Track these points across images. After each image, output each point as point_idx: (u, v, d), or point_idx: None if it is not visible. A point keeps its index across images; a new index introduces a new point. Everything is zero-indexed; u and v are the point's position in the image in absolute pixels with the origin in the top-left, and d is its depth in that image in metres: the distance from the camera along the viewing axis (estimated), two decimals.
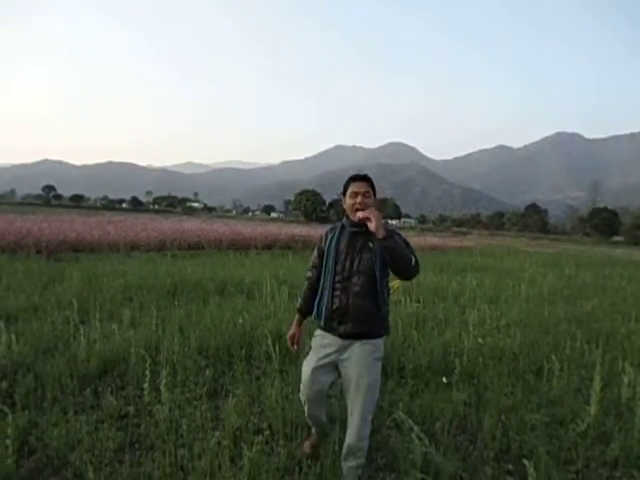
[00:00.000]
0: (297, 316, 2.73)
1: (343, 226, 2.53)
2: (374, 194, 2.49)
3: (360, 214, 2.30)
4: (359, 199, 2.40)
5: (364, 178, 2.47)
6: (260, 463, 2.55)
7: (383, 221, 2.32)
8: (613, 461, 2.97)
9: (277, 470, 2.59)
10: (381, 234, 2.22)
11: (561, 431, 3.34)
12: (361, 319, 2.36)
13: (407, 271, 2.31)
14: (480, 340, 5.00)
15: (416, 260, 2.32)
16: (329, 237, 2.53)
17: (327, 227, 2.68)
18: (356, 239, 2.43)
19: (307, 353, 2.64)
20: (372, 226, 2.23)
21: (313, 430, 2.81)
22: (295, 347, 2.72)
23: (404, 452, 2.78)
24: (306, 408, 2.59)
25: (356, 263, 2.38)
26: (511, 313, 6.96)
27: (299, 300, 2.72)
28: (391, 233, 2.28)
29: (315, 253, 2.62)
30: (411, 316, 6.17)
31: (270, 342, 4.12)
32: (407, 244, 2.39)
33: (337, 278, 2.41)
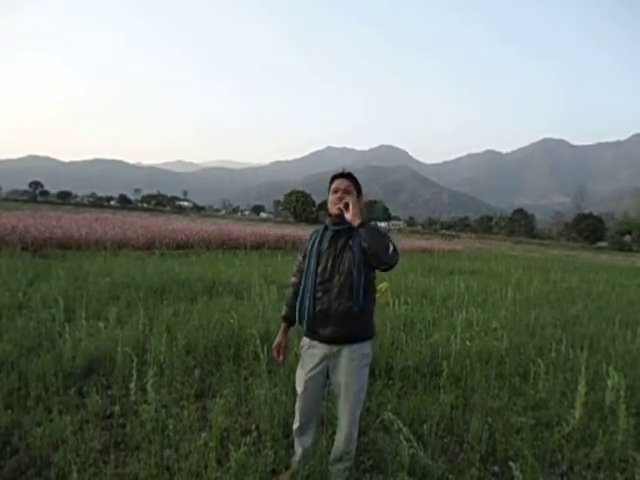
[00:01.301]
0: (282, 324, 2.66)
1: (326, 227, 2.50)
2: (358, 192, 2.46)
3: (340, 204, 2.31)
4: (339, 194, 2.39)
5: (345, 175, 2.46)
6: (247, 464, 2.53)
7: (363, 208, 2.33)
8: (597, 463, 3.01)
9: (264, 471, 2.58)
10: (357, 221, 2.21)
11: (546, 434, 3.38)
12: (344, 321, 2.31)
13: (385, 258, 2.22)
14: (468, 343, 5.04)
15: (394, 248, 2.25)
16: (312, 239, 2.52)
17: (312, 230, 2.65)
18: (338, 238, 2.40)
19: (295, 357, 2.62)
20: (348, 215, 2.23)
21: (296, 457, 2.59)
22: (281, 357, 2.66)
23: (391, 454, 2.78)
24: (298, 417, 2.52)
25: (337, 263, 2.34)
26: (498, 316, 7.02)
27: (284, 307, 2.65)
28: (369, 222, 2.26)
29: (300, 257, 2.60)
30: (399, 318, 6.20)
31: (258, 342, 4.09)
32: (387, 236, 2.29)
33: (318, 280, 2.36)
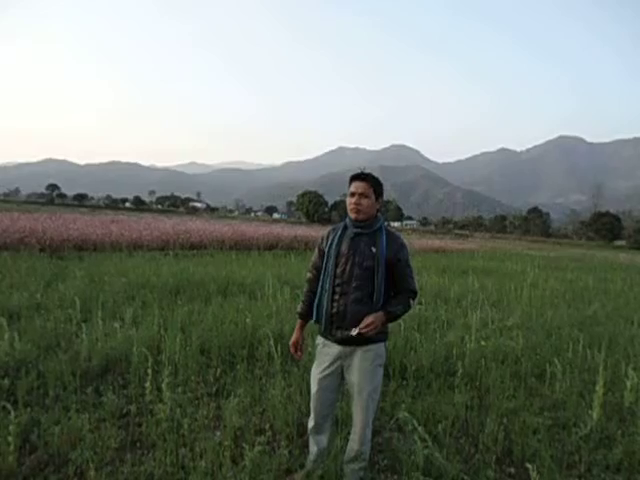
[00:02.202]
0: (299, 321, 2.64)
1: (345, 226, 2.47)
2: (378, 194, 2.42)
3: (355, 331, 2.28)
4: (355, 199, 2.36)
5: (363, 177, 2.39)
6: (262, 463, 2.54)
7: (376, 322, 2.29)
8: (616, 465, 2.95)
9: (279, 470, 2.58)
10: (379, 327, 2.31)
11: (564, 435, 3.33)
12: (358, 325, 2.30)
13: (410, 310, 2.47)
14: (482, 342, 4.99)
15: (414, 297, 2.40)
16: (330, 238, 2.49)
17: (329, 228, 2.63)
18: (358, 241, 2.39)
19: (310, 356, 2.62)
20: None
21: (311, 456, 2.59)
22: (299, 354, 2.65)
23: (406, 454, 2.77)
24: (313, 416, 2.53)
25: (357, 267, 2.33)
26: (513, 316, 6.94)
27: (300, 304, 2.64)
28: (389, 315, 2.33)
29: (316, 253, 2.57)
30: (413, 318, 6.16)
31: (272, 342, 4.11)
32: (408, 266, 2.43)
33: (337, 282, 2.36)
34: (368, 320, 2.24)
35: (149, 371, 3.31)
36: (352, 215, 2.39)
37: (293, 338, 2.64)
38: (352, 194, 2.39)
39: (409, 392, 3.82)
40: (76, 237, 13.27)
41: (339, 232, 2.47)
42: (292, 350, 2.64)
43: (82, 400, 3.37)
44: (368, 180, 2.39)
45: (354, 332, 2.25)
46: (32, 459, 2.64)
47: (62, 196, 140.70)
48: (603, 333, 6.14)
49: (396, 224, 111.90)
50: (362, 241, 2.38)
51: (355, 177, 2.42)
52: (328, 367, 2.44)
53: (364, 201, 2.35)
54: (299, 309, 2.63)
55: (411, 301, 2.37)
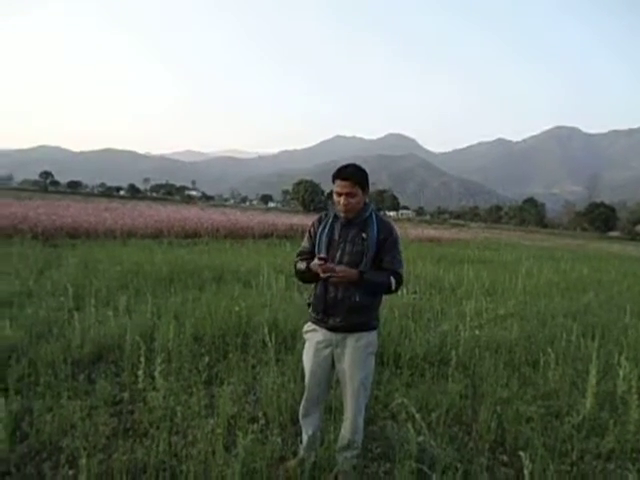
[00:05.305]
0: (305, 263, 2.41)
1: (336, 215, 2.44)
2: (365, 187, 2.35)
3: (322, 273, 2.21)
4: (343, 200, 2.31)
5: (348, 176, 2.30)
6: (254, 451, 2.53)
7: (347, 272, 2.23)
8: (608, 453, 2.97)
9: (272, 458, 2.58)
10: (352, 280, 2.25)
11: (556, 423, 3.34)
12: (351, 312, 2.32)
13: (389, 293, 2.40)
14: (477, 332, 5.00)
15: (398, 279, 2.32)
16: (321, 225, 2.46)
17: (321, 214, 2.58)
18: (349, 229, 2.38)
19: (304, 345, 2.59)
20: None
21: (303, 444, 2.58)
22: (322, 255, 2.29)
23: (400, 442, 2.77)
24: (304, 403, 2.53)
25: (347, 255, 2.33)
26: (508, 305, 6.96)
27: (303, 263, 2.42)
28: (361, 275, 2.24)
29: (306, 239, 2.53)
30: (407, 306, 6.16)
31: (266, 331, 4.09)
32: (396, 249, 2.38)
33: None
34: (339, 267, 2.21)
35: (142, 359, 3.28)
36: (342, 214, 2.37)
37: (313, 265, 2.32)
38: (338, 194, 2.33)
39: (403, 381, 3.82)
40: (69, 224, 13.17)
41: (330, 220, 2.45)
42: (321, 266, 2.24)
43: (74, 387, 3.34)
44: (352, 178, 2.30)
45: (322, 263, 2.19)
46: (23, 446, 2.62)
47: (55, 183, 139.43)
48: (596, 322, 6.16)
49: (392, 213, 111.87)
50: (353, 229, 2.37)
51: (338, 176, 2.32)
52: (319, 354, 2.43)
53: (352, 200, 2.32)
54: (304, 265, 2.41)
55: (392, 280, 2.28)
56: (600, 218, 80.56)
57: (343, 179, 2.31)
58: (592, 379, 3.46)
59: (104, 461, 2.49)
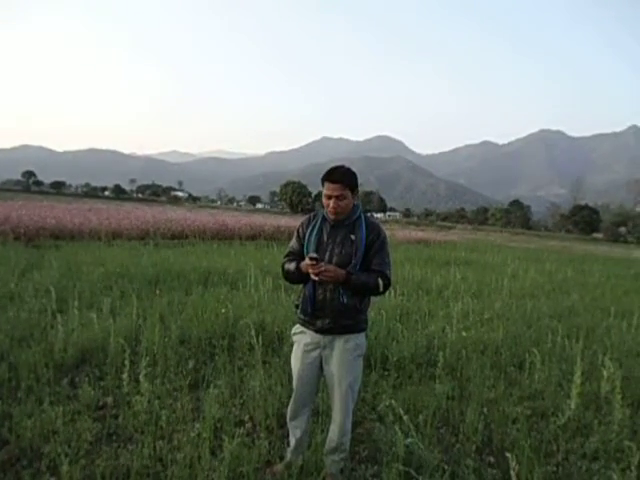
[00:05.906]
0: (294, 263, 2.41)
1: (324, 217, 2.43)
2: (354, 189, 2.34)
3: (315, 276, 2.21)
4: (332, 203, 2.30)
5: (338, 179, 2.28)
6: (241, 455, 2.51)
7: (336, 272, 2.21)
8: (593, 453, 3.00)
9: (258, 462, 2.55)
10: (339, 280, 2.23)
11: (542, 424, 3.37)
12: (339, 314, 2.30)
13: (377, 294, 2.35)
14: (463, 333, 5.03)
15: (385, 282, 2.29)
16: (310, 226, 2.44)
17: (310, 215, 2.56)
18: (337, 231, 2.37)
19: (291, 347, 2.57)
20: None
21: (291, 447, 2.56)
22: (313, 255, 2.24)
23: (387, 445, 2.76)
24: (291, 405, 2.52)
25: (335, 257, 2.31)
26: (494, 307, 7.01)
27: (291, 264, 2.42)
28: (349, 275, 2.22)
29: (294, 240, 2.51)
30: (395, 309, 6.17)
31: (253, 333, 4.06)
32: (384, 251, 2.36)
33: None
34: (328, 267, 2.20)
35: (127, 362, 3.22)
36: (331, 216, 2.36)
37: (303, 264, 2.32)
38: (328, 196, 2.31)
39: (390, 383, 3.82)
40: (52, 226, 12.95)
41: (319, 221, 2.43)
42: (310, 265, 2.22)
43: (56, 392, 3.28)
44: (342, 181, 2.28)
45: (312, 259, 2.18)
46: (3, 453, 2.55)
47: (39, 183, 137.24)
48: (581, 324, 6.24)
49: (379, 215, 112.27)
50: (342, 230, 2.36)
51: (328, 178, 2.30)
52: (307, 357, 2.41)
53: (341, 203, 2.30)
54: (293, 265, 2.40)
55: (380, 282, 2.26)
56: (584, 220, 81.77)
57: (333, 182, 2.28)
58: (577, 380, 3.49)
59: (87, 467, 2.44)
